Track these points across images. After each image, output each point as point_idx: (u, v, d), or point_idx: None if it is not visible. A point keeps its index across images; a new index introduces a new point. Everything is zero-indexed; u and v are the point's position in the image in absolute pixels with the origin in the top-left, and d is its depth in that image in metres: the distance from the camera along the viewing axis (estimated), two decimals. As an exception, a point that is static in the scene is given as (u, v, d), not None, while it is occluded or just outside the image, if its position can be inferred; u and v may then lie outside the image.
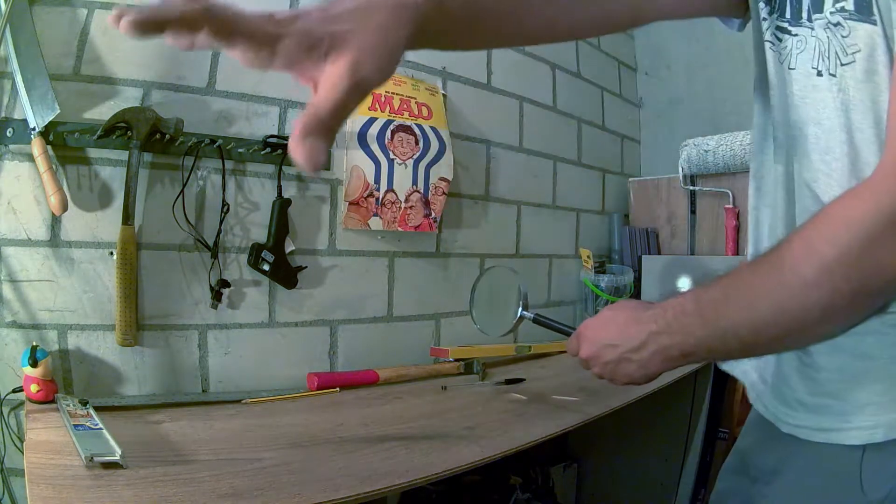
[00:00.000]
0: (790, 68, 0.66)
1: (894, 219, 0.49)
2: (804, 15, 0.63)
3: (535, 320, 1.02)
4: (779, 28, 0.67)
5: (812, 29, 0.62)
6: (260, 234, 1.26)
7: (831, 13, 0.59)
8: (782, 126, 0.69)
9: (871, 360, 0.58)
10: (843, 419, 0.60)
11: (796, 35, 0.65)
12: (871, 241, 0.50)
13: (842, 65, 0.60)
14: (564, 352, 0.84)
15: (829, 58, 0.62)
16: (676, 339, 0.63)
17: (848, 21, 0.58)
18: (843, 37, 0.59)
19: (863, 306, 0.54)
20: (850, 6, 0.57)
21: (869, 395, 0.58)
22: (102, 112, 1.09)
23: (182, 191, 1.15)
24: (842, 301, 0.52)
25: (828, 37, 0.60)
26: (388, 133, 1.45)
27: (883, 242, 0.50)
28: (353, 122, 1.40)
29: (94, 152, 1.09)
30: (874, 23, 0.55)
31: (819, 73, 0.63)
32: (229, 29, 0.41)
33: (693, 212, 2.02)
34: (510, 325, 1.04)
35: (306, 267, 1.32)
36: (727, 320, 0.58)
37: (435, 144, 1.53)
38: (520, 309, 1.03)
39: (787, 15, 0.66)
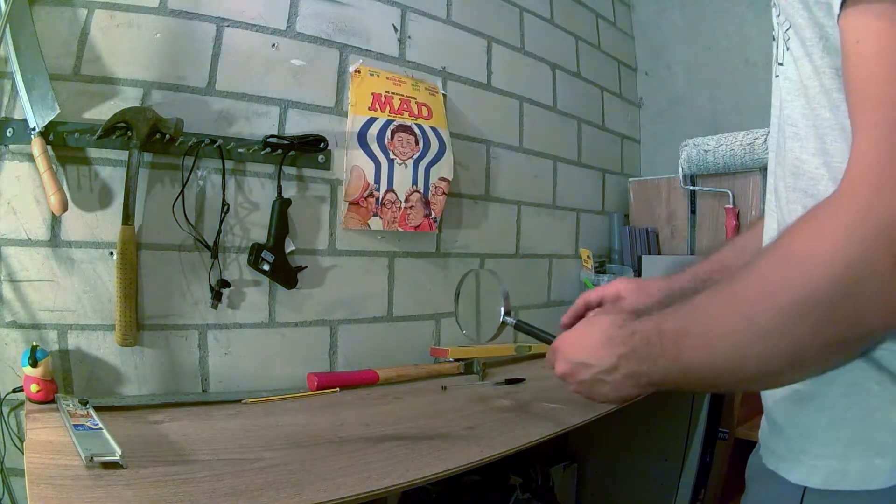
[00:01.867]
0: (775, 76, 0.62)
1: (873, 255, 0.38)
2: (772, 18, 0.59)
3: (516, 326, 1.00)
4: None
5: (774, 30, 0.59)
6: (260, 234, 1.26)
7: None
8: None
9: (824, 385, 0.51)
10: (789, 447, 0.55)
11: (774, 39, 0.61)
12: (843, 287, 0.39)
13: (786, 50, 0.54)
14: None
15: (780, 50, 0.56)
16: (644, 366, 0.58)
17: None
18: (777, 16, 0.55)
19: (839, 357, 0.45)
20: None
21: (814, 426, 0.52)
22: (102, 112, 1.09)
23: (182, 191, 1.15)
24: (809, 353, 0.43)
25: (777, 25, 0.56)
26: (388, 133, 1.45)
27: (859, 288, 0.38)
28: (354, 122, 1.40)
29: (94, 152, 1.09)
30: None
31: (776, 74, 0.59)
32: None
33: (693, 212, 2.02)
34: (494, 331, 1.02)
35: (306, 267, 1.32)
36: (686, 359, 0.52)
37: (435, 144, 1.53)
38: (501, 314, 1.01)
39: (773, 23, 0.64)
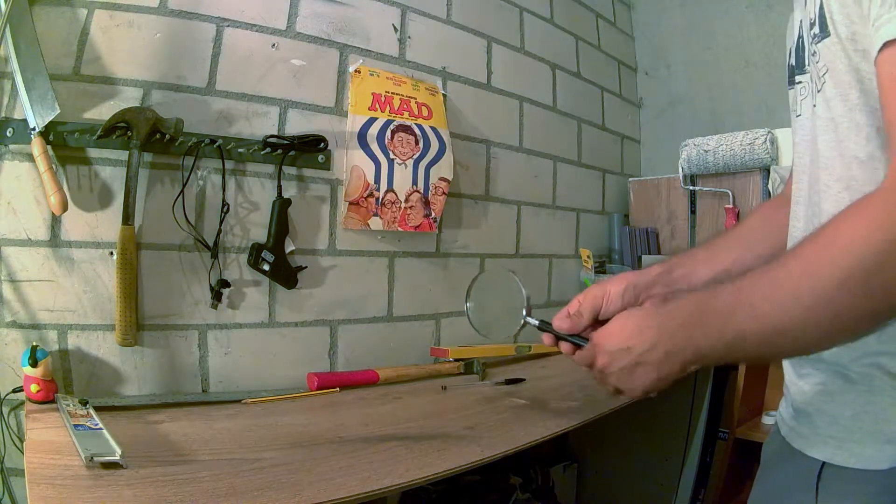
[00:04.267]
0: (797, 115, 0.69)
1: None
2: (806, 61, 0.66)
3: (539, 327, 0.95)
4: (793, 81, 0.70)
5: (808, 73, 0.65)
6: (260, 234, 1.26)
7: (811, 42, 0.62)
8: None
9: (849, 385, 0.59)
10: (815, 430, 0.63)
11: (800, 82, 0.68)
12: (879, 263, 0.46)
13: (817, 91, 0.61)
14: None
15: (810, 91, 0.64)
16: (685, 342, 0.62)
17: (818, 45, 0.60)
18: (816, 63, 0.61)
19: (871, 326, 0.52)
20: (817, 29, 0.60)
21: (840, 416, 0.60)
22: (102, 112, 1.09)
23: (182, 191, 1.15)
24: (845, 324, 0.50)
25: (814, 70, 0.62)
26: (388, 133, 1.45)
27: (891, 265, 0.45)
28: (354, 122, 1.40)
29: (94, 152, 1.09)
30: (829, 34, 0.58)
31: (798, 113, 0.67)
32: None
33: (693, 212, 2.02)
34: (514, 330, 0.99)
35: (306, 267, 1.32)
36: (732, 333, 0.57)
37: (435, 144, 1.53)
38: (523, 314, 0.97)
39: (794, 62, 0.70)
